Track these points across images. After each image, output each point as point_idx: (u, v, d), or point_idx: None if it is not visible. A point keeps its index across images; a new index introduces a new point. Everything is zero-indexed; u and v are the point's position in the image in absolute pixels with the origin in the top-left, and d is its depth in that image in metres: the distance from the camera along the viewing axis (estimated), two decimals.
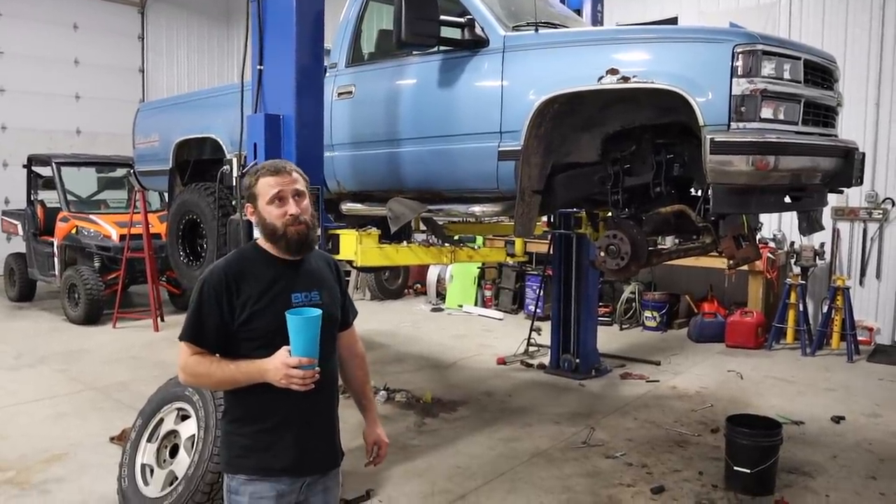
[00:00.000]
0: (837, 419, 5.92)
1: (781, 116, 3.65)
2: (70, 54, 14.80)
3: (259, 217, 2.51)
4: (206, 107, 6.53)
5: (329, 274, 2.67)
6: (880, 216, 8.59)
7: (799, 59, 3.75)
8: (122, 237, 9.67)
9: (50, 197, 11.10)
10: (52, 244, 10.49)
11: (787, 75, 3.67)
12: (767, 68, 3.58)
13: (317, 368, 2.33)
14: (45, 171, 11.26)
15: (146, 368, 7.35)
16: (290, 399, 2.37)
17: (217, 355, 2.44)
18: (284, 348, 2.32)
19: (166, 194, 7.35)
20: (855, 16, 8.58)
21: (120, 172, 11.66)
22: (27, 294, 11.57)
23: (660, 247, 5.05)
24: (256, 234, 2.59)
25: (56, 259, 10.40)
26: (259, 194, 2.50)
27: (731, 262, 4.55)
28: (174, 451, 4.13)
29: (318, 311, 2.34)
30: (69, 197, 10.77)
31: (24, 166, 11.49)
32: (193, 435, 3.98)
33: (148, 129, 7.22)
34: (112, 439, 5.31)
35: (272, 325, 2.39)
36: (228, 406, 2.55)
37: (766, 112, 3.59)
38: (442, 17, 4.39)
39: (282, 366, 2.29)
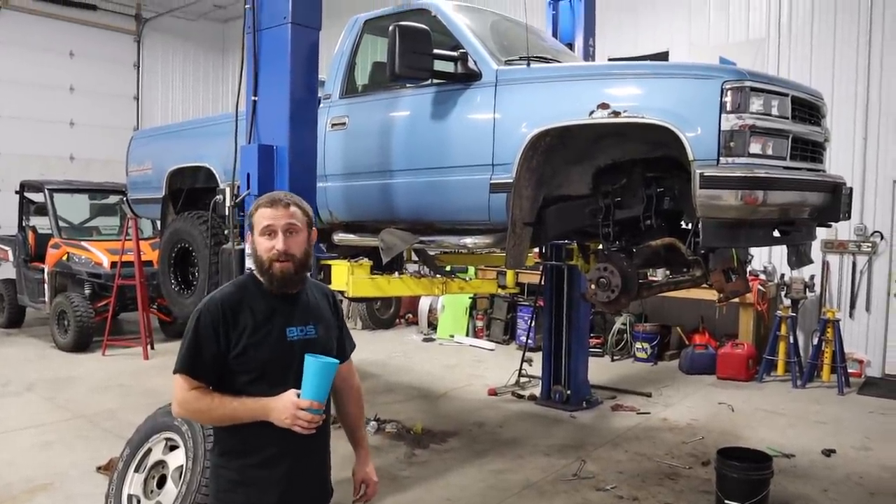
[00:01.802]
0: (828, 452, 5.91)
1: (770, 152, 3.70)
2: (65, 81, 14.86)
3: (253, 248, 2.49)
4: (200, 136, 6.57)
5: (326, 307, 2.63)
6: (869, 249, 8.66)
7: (787, 95, 3.81)
8: (113, 264, 9.65)
9: (42, 223, 11.08)
10: (42, 270, 10.46)
11: (775, 111, 3.73)
12: (756, 104, 3.64)
13: (323, 415, 2.32)
14: (38, 198, 11.25)
15: (135, 397, 7.30)
16: (283, 435, 2.32)
17: (210, 388, 2.39)
18: (293, 390, 2.29)
19: (159, 222, 7.36)
20: (842, 51, 8.74)
21: (113, 199, 11.70)
22: (16, 320, 11.51)
23: (650, 279, 5.07)
24: (248, 263, 2.59)
25: (46, 285, 10.36)
26: (255, 225, 2.47)
27: (721, 295, 4.57)
28: (162, 482, 4.09)
29: (336, 361, 2.34)
30: (61, 223, 10.77)
31: (17, 192, 11.48)
32: (181, 465, 3.94)
33: (141, 156, 7.24)
34: (99, 469, 5.25)
35: (266, 359, 2.37)
36: (218, 439, 2.49)
37: (755, 147, 3.63)
38: (435, 51, 4.45)
39: (290, 405, 2.27)
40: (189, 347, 2.37)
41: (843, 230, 8.54)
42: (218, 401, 2.35)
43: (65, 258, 10.09)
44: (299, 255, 2.45)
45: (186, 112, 16.43)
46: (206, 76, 17.18)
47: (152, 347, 9.62)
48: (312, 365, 2.26)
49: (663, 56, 9.88)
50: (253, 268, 2.52)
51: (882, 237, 8.61)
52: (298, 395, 2.28)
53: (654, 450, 5.97)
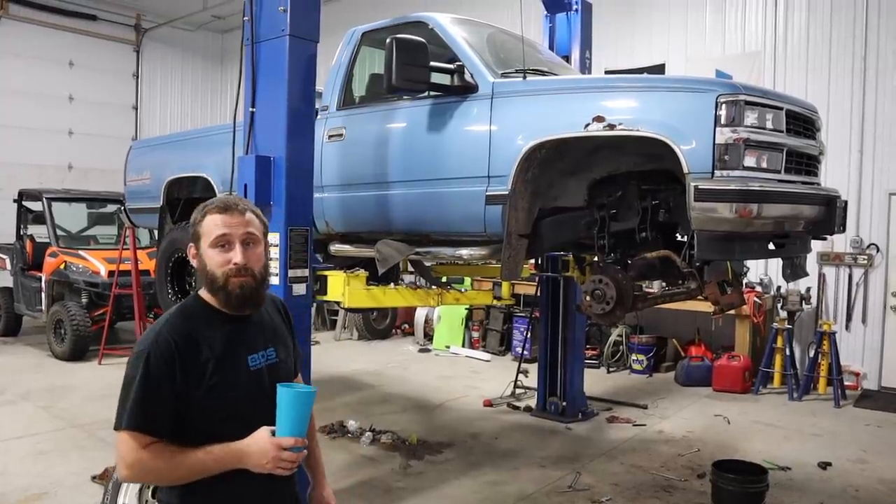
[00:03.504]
0: (824, 465, 5.91)
1: (764, 165, 3.72)
2: (64, 91, 14.91)
3: (200, 262, 2.11)
4: (198, 146, 6.58)
5: (280, 321, 2.33)
6: (865, 262, 8.69)
7: (781, 109, 3.84)
8: (110, 273, 9.65)
9: (39, 231, 11.08)
10: (39, 279, 10.46)
11: (769, 125, 3.75)
12: (750, 118, 3.66)
13: (304, 451, 2.03)
14: (36, 206, 11.26)
15: None
16: (247, 479, 2.01)
17: (164, 441, 1.99)
18: (265, 428, 1.98)
19: (156, 231, 7.37)
20: (838, 64, 8.80)
21: (110, 208, 11.69)
22: (13, 329, 11.51)
23: (646, 291, 5.08)
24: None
25: (43, 294, 10.36)
26: (203, 234, 2.09)
27: (717, 307, 4.58)
28: (156, 492, 4.07)
29: (314, 388, 2.06)
30: (59, 232, 10.78)
31: (15, 201, 11.50)
32: None
33: (140, 166, 7.25)
34: (94, 478, 5.24)
35: (235, 397, 2.05)
36: (165, 495, 2.11)
37: (750, 160, 3.65)
38: (432, 64, 4.46)
39: (271, 448, 1.94)
40: (138, 396, 1.94)
41: (839, 242, 8.57)
42: (180, 456, 1.95)
43: (62, 267, 10.09)
44: (258, 269, 2.11)
45: (185, 122, 16.49)
46: (205, 86, 17.25)
47: None
48: (290, 397, 1.96)
49: (660, 69, 9.93)
50: (205, 290, 2.15)
51: (878, 250, 8.64)
52: (272, 433, 1.98)
53: (650, 462, 5.97)
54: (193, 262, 2.16)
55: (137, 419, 1.94)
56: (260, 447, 1.96)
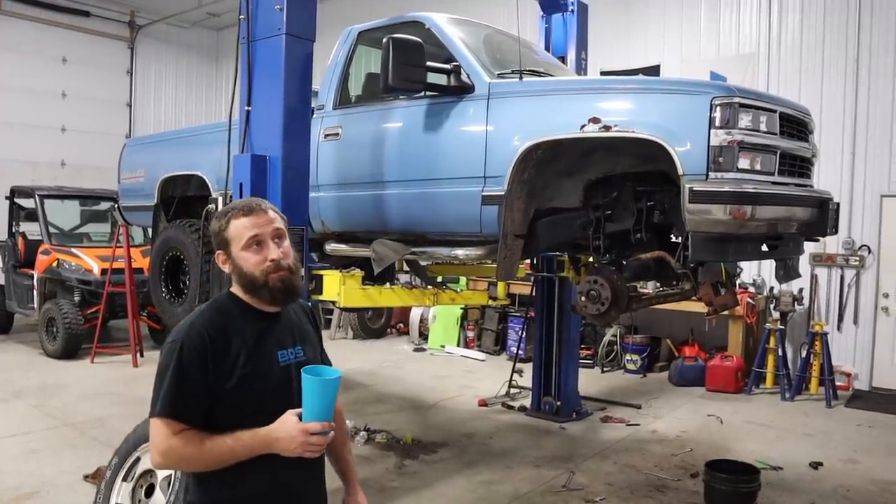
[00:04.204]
0: (816, 465, 5.94)
1: (758, 167, 3.74)
2: (58, 87, 14.85)
3: (234, 266, 2.15)
4: (192, 144, 6.57)
5: (308, 323, 2.39)
6: (857, 263, 8.73)
7: (775, 111, 3.86)
8: (103, 271, 9.62)
9: (32, 229, 11.04)
10: (31, 277, 10.42)
11: (763, 127, 3.77)
12: (744, 120, 3.68)
13: (332, 433, 2.07)
14: (28, 203, 11.21)
15: (123, 405, 7.26)
16: (277, 469, 2.07)
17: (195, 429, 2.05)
18: (291, 413, 2.02)
19: (150, 230, 7.35)
20: (831, 66, 8.84)
21: (104, 206, 11.66)
22: (4, 327, 11.47)
23: (640, 291, 5.09)
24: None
25: (35, 292, 10.32)
26: (232, 239, 2.14)
27: (710, 308, 4.60)
28: (150, 492, 4.07)
29: (338, 372, 2.10)
30: (51, 229, 10.73)
31: (7, 198, 11.45)
32: (170, 475, 3.93)
33: (134, 164, 7.24)
34: (86, 477, 5.23)
35: (265, 390, 2.09)
36: (192, 485, 2.15)
37: (744, 162, 3.68)
38: (429, 64, 4.47)
39: (299, 433, 1.98)
40: (172, 385, 2.01)
41: (831, 244, 8.61)
42: (209, 443, 2.00)
43: (55, 264, 10.06)
44: (292, 262, 2.17)
45: (179, 119, 16.45)
46: (200, 84, 17.20)
47: (142, 355, 9.57)
48: (315, 383, 1.99)
49: (655, 70, 9.96)
50: (235, 286, 2.21)
51: (869, 251, 8.69)
52: (299, 416, 2.02)
53: (643, 461, 5.99)
54: (224, 269, 2.20)
55: (169, 407, 2.01)
56: (288, 433, 1.99)
